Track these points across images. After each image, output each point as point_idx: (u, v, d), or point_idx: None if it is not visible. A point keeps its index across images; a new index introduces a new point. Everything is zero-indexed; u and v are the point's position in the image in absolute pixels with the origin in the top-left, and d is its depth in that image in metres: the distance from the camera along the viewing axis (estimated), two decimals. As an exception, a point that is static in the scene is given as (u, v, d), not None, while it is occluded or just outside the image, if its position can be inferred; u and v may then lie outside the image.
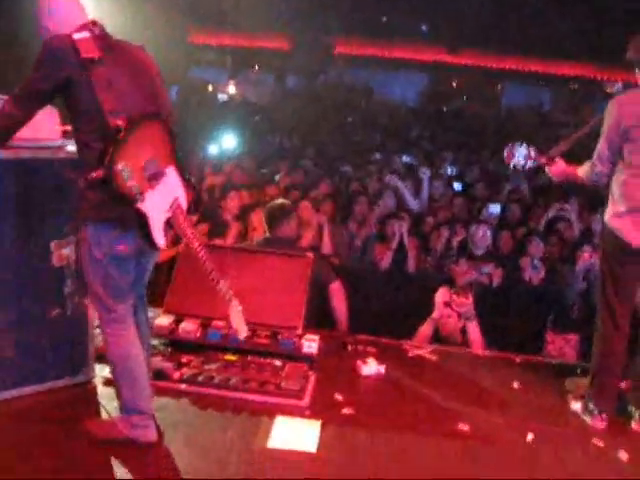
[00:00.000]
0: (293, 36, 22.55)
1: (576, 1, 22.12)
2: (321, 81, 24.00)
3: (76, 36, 3.16)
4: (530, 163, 4.51)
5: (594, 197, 8.42)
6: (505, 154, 4.56)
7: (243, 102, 21.83)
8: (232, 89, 22.34)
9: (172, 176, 3.31)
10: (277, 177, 9.35)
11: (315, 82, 23.68)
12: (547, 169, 4.50)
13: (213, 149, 11.97)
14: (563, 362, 5.37)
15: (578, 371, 4.82)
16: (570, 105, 24.02)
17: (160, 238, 3.27)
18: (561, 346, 5.88)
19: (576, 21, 22.30)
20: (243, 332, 3.47)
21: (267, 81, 24.90)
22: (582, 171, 4.28)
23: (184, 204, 3.34)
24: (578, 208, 7.94)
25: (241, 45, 22.09)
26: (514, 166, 4.56)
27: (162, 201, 3.24)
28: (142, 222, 3.20)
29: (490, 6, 22.51)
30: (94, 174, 3.08)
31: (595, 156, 4.11)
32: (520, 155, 4.49)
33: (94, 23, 3.31)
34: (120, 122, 3.08)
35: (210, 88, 23.69)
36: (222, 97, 22.63)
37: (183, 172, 3.38)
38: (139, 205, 3.15)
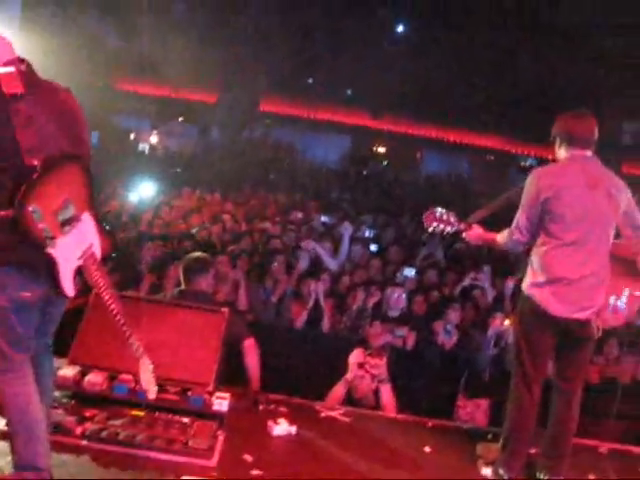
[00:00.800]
0: (219, 90, 22.70)
1: (493, 75, 23.09)
2: (245, 136, 24.15)
3: (0, 70, 3.07)
4: (449, 228, 4.59)
5: (505, 264, 8.68)
6: (425, 218, 4.63)
7: (165, 152, 21.73)
8: (154, 139, 22.24)
9: (87, 222, 3.20)
10: (194, 230, 9.25)
11: (239, 137, 23.80)
12: (465, 234, 4.59)
13: (132, 197, 11.78)
14: (474, 427, 5.39)
15: (489, 436, 4.84)
16: (486, 175, 24.83)
17: (69, 287, 3.14)
18: (472, 411, 5.91)
19: (493, 95, 23.25)
20: (152, 392, 3.37)
21: (191, 133, 24.89)
22: (500, 238, 4.39)
23: (98, 252, 3.23)
24: (491, 275, 8.11)
25: (166, 95, 22.09)
26: (433, 230, 4.63)
27: (74, 248, 3.13)
28: (51, 268, 3.07)
29: (413, 75, 23.28)
30: (2, 214, 2.95)
31: (514, 225, 4.23)
32: (439, 220, 4.57)
33: (21, 60, 3.22)
34: (36, 162, 2.97)
35: (132, 136, 23.53)
36: (144, 146, 22.48)
37: (99, 219, 3.28)
38: (49, 250, 3.03)
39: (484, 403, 5.95)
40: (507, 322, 6.24)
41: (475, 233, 4.56)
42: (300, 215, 12.12)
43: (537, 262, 4.15)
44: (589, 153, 4.20)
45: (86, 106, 3.50)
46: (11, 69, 3.10)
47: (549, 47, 21.75)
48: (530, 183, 4.17)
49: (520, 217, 4.20)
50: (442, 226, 4.59)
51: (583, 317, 4.08)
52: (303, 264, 7.90)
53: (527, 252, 4.29)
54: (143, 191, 12.41)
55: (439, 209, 4.60)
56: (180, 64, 19.79)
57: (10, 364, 3.22)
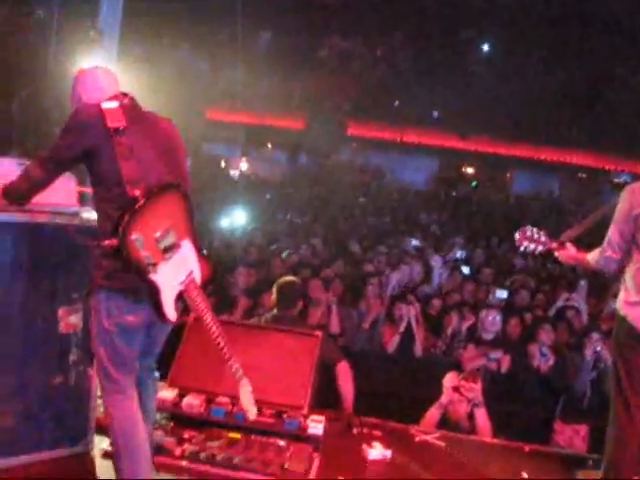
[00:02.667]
0: (307, 116, 22.99)
1: (586, 93, 22.59)
2: (333, 161, 24.34)
3: (104, 106, 3.22)
4: (540, 247, 4.51)
5: (601, 283, 8.43)
6: (517, 237, 4.57)
7: (255, 179, 22.12)
8: (244, 165, 22.67)
9: (187, 249, 3.30)
10: (284, 254, 9.38)
11: (327, 161, 24.02)
12: (557, 254, 4.50)
13: (224, 223, 12.04)
14: (573, 453, 5.24)
15: (589, 463, 4.69)
16: (578, 194, 24.25)
17: (171, 312, 3.23)
18: (570, 436, 5.76)
19: (584, 111, 22.74)
20: (252, 413, 3.41)
21: (279, 159, 25.26)
22: (591, 257, 4.27)
23: (198, 278, 3.32)
24: (586, 294, 7.93)
25: (255, 123, 22.54)
26: (525, 249, 4.56)
27: (176, 274, 3.22)
28: (153, 294, 3.17)
29: (500, 95, 23.02)
30: (108, 242, 3.08)
31: (605, 242, 4.11)
32: (531, 239, 4.50)
33: (124, 94, 3.39)
34: (138, 192, 3.09)
35: (223, 164, 24.04)
36: (234, 173, 22.94)
37: (200, 246, 3.38)
38: (151, 276, 3.13)
39: (583, 429, 5.78)
40: (598, 347, 6.04)
41: (567, 253, 4.45)
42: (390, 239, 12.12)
43: (630, 280, 4.01)
44: None
45: (182, 136, 3.63)
46: (115, 104, 3.25)
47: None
48: (623, 198, 4.04)
49: (612, 233, 4.07)
50: (533, 245, 4.51)
51: None
52: (390, 286, 7.89)
53: (621, 270, 4.16)
54: (235, 217, 12.67)
55: (530, 228, 4.54)
56: (268, 92, 20.21)
57: (116, 386, 3.35)
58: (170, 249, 3.20)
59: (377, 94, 23.51)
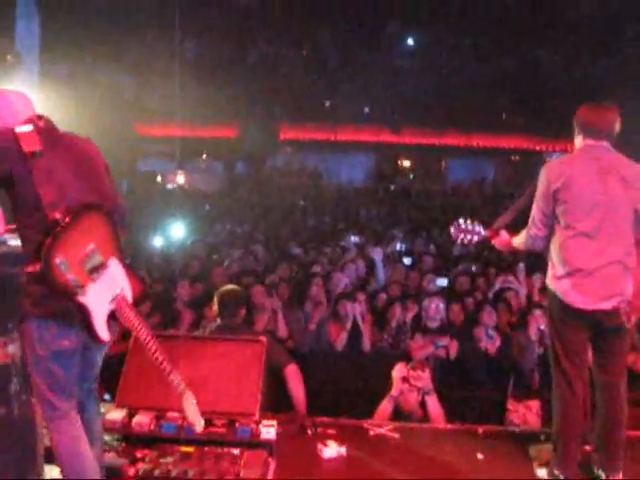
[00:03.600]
0: (239, 124, 22.93)
1: (514, 74, 23.03)
2: (269, 166, 24.33)
3: (18, 130, 3.17)
4: (476, 237, 4.59)
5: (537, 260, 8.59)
6: (452, 231, 4.65)
7: (192, 191, 21.97)
8: (181, 179, 22.51)
9: (115, 267, 3.27)
10: (226, 263, 9.33)
11: (263, 168, 24.00)
12: (493, 242, 4.58)
13: (159, 240, 11.90)
14: (526, 430, 5.32)
15: (542, 437, 4.76)
16: (512, 177, 24.69)
17: (103, 332, 3.21)
18: (524, 413, 5.84)
19: (515, 94, 23.19)
20: (199, 425, 3.40)
21: (216, 169, 25.15)
22: (518, 239, 4.37)
23: (129, 295, 3.29)
24: (524, 273, 8.08)
25: (188, 135, 22.38)
26: (462, 241, 4.64)
27: (105, 293, 3.20)
28: (84, 316, 3.14)
29: (429, 86, 23.35)
30: (31, 268, 3.04)
31: (530, 221, 4.20)
32: (466, 231, 4.58)
33: (39, 117, 3.33)
34: (58, 215, 3.06)
35: (159, 178, 23.82)
36: (172, 186, 22.76)
37: (128, 263, 3.35)
38: (80, 298, 3.10)
39: (535, 404, 5.87)
40: (542, 326, 6.16)
41: (501, 239, 4.53)
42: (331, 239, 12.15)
43: (555, 254, 4.10)
44: (604, 144, 4.11)
45: (111, 154, 3.60)
46: (29, 127, 3.20)
47: (571, 42, 21.68)
48: (541, 175, 4.13)
49: (535, 211, 4.16)
50: (469, 236, 4.60)
51: (609, 307, 3.97)
52: (342, 284, 7.91)
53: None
54: (174, 231, 12.56)
55: (463, 220, 4.62)
56: (198, 102, 20.07)
57: (57, 412, 3.30)
58: (97, 269, 3.18)
59: (307, 96, 23.60)
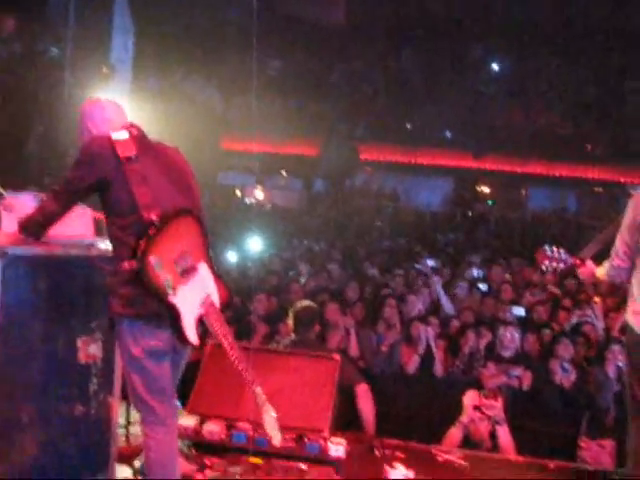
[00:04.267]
0: (320, 142, 23.08)
1: (598, 102, 22.58)
2: (348, 186, 24.40)
3: (114, 136, 3.28)
4: (562, 265, 4.51)
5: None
6: (537, 256, 4.58)
7: (271, 207, 22.20)
8: (259, 194, 22.77)
9: (204, 272, 3.33)
10: (302, 279, 9.40)
11: (342, 187, 24.07)
12: (579, 271, 4.49)
13: (236, 254, 12.04)
14: (599, 469, 5.18)
15: (615, 477, 4.64)
16: (595, 208, 24.10)
17: (192, 334, 3.25)
18: (597, 452, 5.69)
19: (600, 123, 22.71)
20: (277, 439, 3.42)
21: (295, 186, 25.34)
22: (602, 270, 4.27)
23: (217, 301, 3.34)
24: (604, 309, 7.88)
25: (269, 151, 22.66)
26: (546, 269, 4.57)
27: (194, 297, 3.25)
28: (175, 317, 3.20)
29: (512, 112, 23.06)
30: (127, 265, 3.13)
31: (613, 252, 4.11)
32: (551, 258, 4.51)
33: (132, 125, 3.44)
34: (154, 216, 3.14)
35: (238, 193, 24.15)
36: (250, 201, 23.04)
37: (216, 270, 3.41)
38: (171, 299, 3.16)
39: (609, 444, 5.72)
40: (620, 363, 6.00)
41: (588, 270, 4.44)
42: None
43: (636, 288, 4.00)
44: None
45: (195, 166, 3.69)
46: (125, 134, 3.31)
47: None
48: (629, 207, 4.05)
49: (618, 243, 4.06)
50: (555, 264, 4.52)
51: None
52: (416, 308, 7.87)
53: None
54: (251, 245, 12.71)
55: (549, 247, 4.55)
56: (281, 119, 20.32)
57: (155, 416, 3.34)
58: (187, 272, 3.24)
59: (389, 117, 23.62)
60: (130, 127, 3.41)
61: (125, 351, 3.31)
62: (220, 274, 3.46)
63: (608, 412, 5.84)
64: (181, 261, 3.22)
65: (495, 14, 22.15)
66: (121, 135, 3.30)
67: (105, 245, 3.81)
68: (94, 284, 3.82)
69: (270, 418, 3.37)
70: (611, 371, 5.98)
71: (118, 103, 3.59)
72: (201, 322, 3.30)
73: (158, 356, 3.30)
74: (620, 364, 5.99)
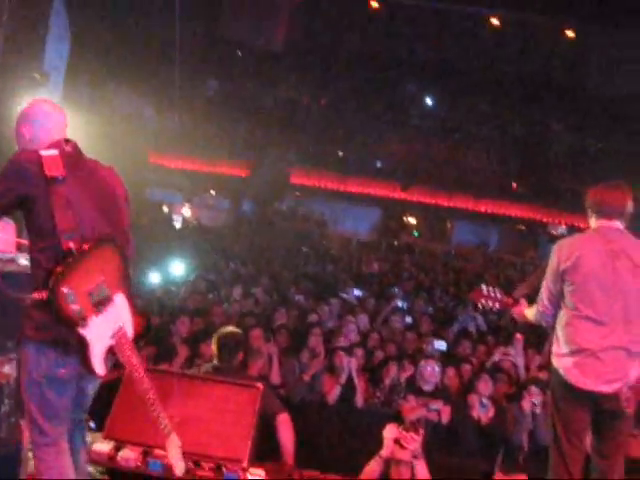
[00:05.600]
0: (251, 163, 23.08)
1: (524, 144, 23.33)
2: (276, 209, 24.41)
3: (44, 153, 3.18)
4: (497, 305, 4.60)
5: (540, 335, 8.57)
6: (472, 295, 4.67)
7: (198, 225, 22.03)
8: (187, 212, 22.57)
9: (120, 302, 3.27)
10: (225, 305, 9.30)
11: (270, 209, 24.08)
12: (512, 311, 4.58)
13: (159, 275, 11.85)
14: (511, 505, 5.26)
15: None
16: (516, 245, 24.76)
17: (99, 366, 3.20)
18: (510, 487, 5.77)
19: (524, 163, 23.44)
20: (180, 469, 3.38)
21: (223, 206, 25.23)
22: (530, 312, 4.37)
23: (130, 332, 3.29)
24: (523, 347, 8.05)
25: (198, 169, 22.51)
26: (482, 307, 4.66)
27: (106, 328, 3.19)
28: (82, 348, 3.13)
29: (442, 147, 23.60)
30: (37, 295, 3.04)
31: (539, 297, 4.21)
32: (487, 297, 4.58)
33: (67, 141, 3.33)
34: (72, 244, 3.06)
35: (165, 209, 23.89)
36: (177, 219, 22.81)
37: (133, 298, 3.35)
38: (81, 330, 3.09)
39: (523, 479, 5.81)
40: (536, 401, 6.14)
41: (521, 309, 4.52)
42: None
43: (560, 332, 4.08)
44: (618, 224, 4.11)
45: (125, 180, 3.61)
46: (55, 152, 3.21)
47: (583, 117, 21.96)
48: (552, 254, 4.15)
49: (543, 288, 4.17)
50: (490, 302, 4.60)
51: (609, 390, 3.93)
52: (343, 338, 7.86)
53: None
54: (177, 265, 12.56)
55: (485, 286, 4.63)
56: (213, 138, 20.21)
57: (47, 438, 3.25)
58: (102, 303, 3.18)
59: (321, 144, 23.80)
60: (65, 144, 3.31)
61: (26, 374, 3.22)
62: (136, 303, 3.40)
63: (522, 448, 5.94)
64: (96, 292, 3.15)
65: (430, 52, 22.72)
66: (51, 152, 3.20)
67: (26, 262, 3.69)
68: (9, 303, 3.67)
69: (174, 448, 3.34)
70: (527, 408, 6.10)
71: (61, 109, 3.47)
72: (112, 352, 3.23)
73: (60, 384, 3.22)
74: (536, 402, 6.13)
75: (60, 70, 9.53)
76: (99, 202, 3.32)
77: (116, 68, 15.94)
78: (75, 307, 3.05)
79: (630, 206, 4.17)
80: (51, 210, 3.09)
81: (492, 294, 4.56)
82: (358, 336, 8.11)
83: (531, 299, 4.49)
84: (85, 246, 3.10)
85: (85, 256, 3.10)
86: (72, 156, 3.29)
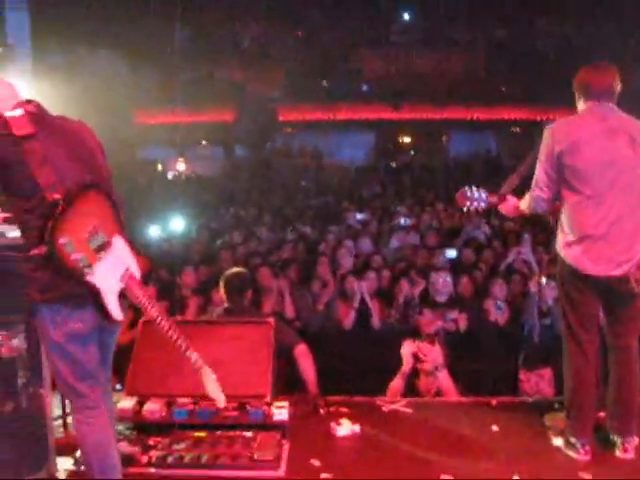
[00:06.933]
0: (236, 107, 22.82)
1: (509, 44, 22.92)
2: (269, 149, 24.24)
3: (8, 114, 3.12)
4: (483, 204, 4.51)
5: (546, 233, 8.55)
6: (457, 199, 4.56)
7: (195, 178, 21.90)
8: (181, 166, 22.41)
9: (120, 245, 3.23)
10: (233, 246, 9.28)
11: (263, 150, 23.90)
12: (500, 207, 4.50)
13: (161, 230, 11.81)
14: (539, 399, 5.30)
15: (556, 406, 4.74)
16: (514, 148, 24.54)
17: (116, 310, 3.17)
18: (536, 382, 5.81)
19: (511, 65, 23.07)
20: (221, 400, 3.39)
21: (216, 154, 25.05)
22: (524, 203, 4.29)
23: (137, 273, 3.26)
24: (531, 245, 8.03)
25: (186, 121, 22.26)
26: (468, 209, 4.56)
27: (113, 272, 3.16)
28: (95, 296, 3.10)
29: (426, 60, 23.23)
30: (36, 251, 3.00)
31: (533, 182, 4.13)
32: (471, 198, 4.50)
33: (29, 101, 3.26)
34: (57, 195, 3.01)
35: (160, 167, 23.74)
36: (172, 174, 22.68)
37: (131, 241, 3.31)
38: (89, 278, 3.06)
39: (547, 372, 5.84)
40: (543, 280, 6.14)
41: (509, 205, 4.45)
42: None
43: (565, 220, 4.05)
44: (608, 104, 4.04)
45: (110, 143, 3.54)
46: (19, 112, 3.14)
47: (564, 6, 21.51)
48: (545, 137, 4.06)
49: (538, 173, 4.08)
50: (476, 204, 4.51)
51: (619, 273, 3.91)
52: (347, 263, 7.86)
53: (554, 211, 4.19)
54: (178, 218, 12.50)
55: (468, 187, 4.53)
56: (193, 88, 19.92)
57: (85, 401, 3.26)
58: (102, 248, 3.14)
59: (303, 77, 23.47)
60: (26, 104, 3.23)
61: (46, 338, 3.20)
62: (134, 245, 3.36)
63: (542, 342, 5.96)
64: (94, 237, 3.11)
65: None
66: (15, 113, 3.13)
67: (14, 233, 3.64)
68: (8, 275, 3.64)
69: (210, 381, 3.35)
70: (533, 289, 6.12)
71: (8, 82, 3.39)
72: (124, 295, 3.20)
73: (81, 339, 3.19)
74: (544, 281, 6.14)
75: (25, 41, 9.31)
76: (75, 154, 3.25)
77: (85, 30, 15.63)
78: (77, 255, 3.02)
79: (618, 86, 4.08)
80: (29, 169, 3.03)
81: (476, 194, 4.48)
82: (351, 260, 8.05)
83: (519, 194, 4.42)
84: (70, 196, 3.05)
85: (74, 204, 3.05)
86: (37, 114, 3.22)
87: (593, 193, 3.92)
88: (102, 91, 15.92)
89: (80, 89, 12.67)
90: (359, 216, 11.90)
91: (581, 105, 4.14)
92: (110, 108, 15.21)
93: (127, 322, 5.57)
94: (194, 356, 3.31)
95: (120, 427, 4.32)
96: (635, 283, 3.95)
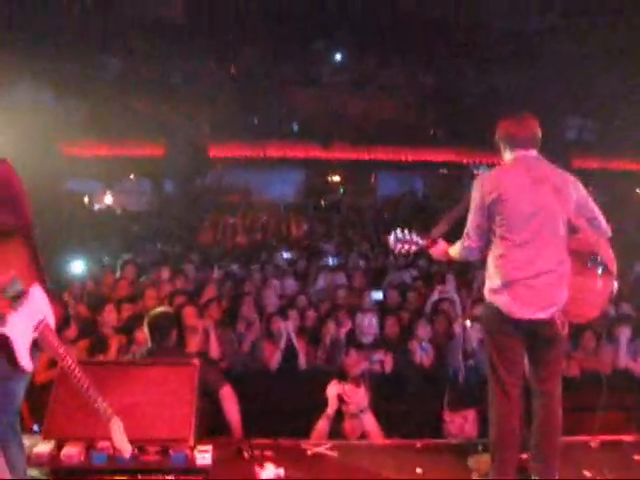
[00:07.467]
0: (166, 142, 22.67)
1: (437, 91, 23.51)
2: (198, 185, 24.10)
3: None
4: (414, 247, 4.58)
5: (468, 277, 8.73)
6: (389, 242, 4.62)
7: (122, 212, 21.59)
8: (109, 199, 22.08)
9: (37, 294, 3.16)
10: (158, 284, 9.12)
11: (192, 186, 23.75)
12: (431, 251, 4.57)
13: (89, 263, 11.56)
14: (463, 441, 5.32)
15: (479, 448, 4.78)
16: (442, 189, 25.05)
17: (26, 361, 3.10)
18: (461, 424, 5.82)
19: (439, 110, 23.64)
20: (127, 450, 3.30)
21: (144, 188, 24.78)
22: (454, 250, 4.39)
23: (52, 322, 3.18)
24: (456, 286, 8.17)
25: (114, 155, 21.98)
26: (399, 252, 4.62)
27: (27, 322, 3.09)
28: (6, 346, 3.01)
29: (356, 101, 23.60)
30: None
31: (465, 232, 4.24)
32: (403, 241, 4.56)
33: None
34: None
35: (86, 199, 23.33)
36: (99, 207, 22.32)
37: (49, 289, 3.23)
38: (1, 329, 2.98)
39: (472, 414, 5.86)
40: (467, 322, 6.25)
41: (440, 249, 4.53)
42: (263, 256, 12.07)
43: (491, 267, 4.16)
44: (533, 152, 4.21)
45: (35, 175, 3.45)
46: None
47: (488, 58, 22.22)
48: (475, 188, 4.19)
49: (470, 223, 4.21)
50: (407, 246, 4.58)
51: (545, 316, 4.04)
52: (272, 303, 7.83)
53: (484, 259, 4.30)
54: (103, 253, 12.27)
55: (400, 231, 4.59)
56: (122, 121, 19.72)
57: None
58: (18, 297, 3.06)
59: (234, 114, 23.51)
60: None
61: None
62: (54, 291, 3.28)
63: (466, 384, 6.03)
64: (10, 287, 3.04)
65: (333, 6, 22.50)
66: None
67: None
68: None
69: (118, 431, 3.26)
70: (454, 342, 6.21)
71: None
72: (37, 345, 3.12)
73: None
74: (467, 326, 6.24)
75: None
76: None
77: (9, 59, 15.30)
78: None
79: (539, 133, 4.24)
80: None
81: (407, 237, 4.55)
82: (277, 300, 8.03)
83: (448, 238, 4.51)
84: None
85: None
86: None
87: (521, 240, 4.04)
88: (28, 120, 15.61)
89: (6, 119, 12.42)
90: (286, 255, 11.90)
91: (508, 154, 4.28)
92: (36, 138, 14.93)
93: (46, 361, 5.42)
94: (103, 406, 3.28)
95: (36, 473, 4.16)
96: (561, 326, 4.06)
